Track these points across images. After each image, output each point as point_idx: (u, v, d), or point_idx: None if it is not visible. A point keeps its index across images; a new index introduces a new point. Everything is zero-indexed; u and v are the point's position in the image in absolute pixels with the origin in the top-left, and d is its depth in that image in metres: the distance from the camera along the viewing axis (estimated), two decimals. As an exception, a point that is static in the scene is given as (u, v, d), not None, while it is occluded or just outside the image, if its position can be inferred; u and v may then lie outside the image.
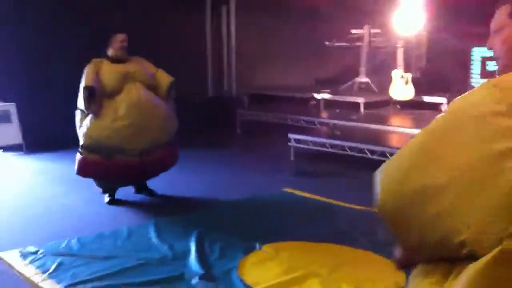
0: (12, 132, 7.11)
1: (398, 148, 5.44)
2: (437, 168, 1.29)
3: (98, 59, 4.91)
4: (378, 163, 5.38)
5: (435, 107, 8.12)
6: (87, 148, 4.74)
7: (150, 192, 5.21)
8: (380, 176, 1.51)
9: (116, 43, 4.90)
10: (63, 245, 3.84)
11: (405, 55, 8.52)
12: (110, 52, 4.93)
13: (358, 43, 9.59)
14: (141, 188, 5.22)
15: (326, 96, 8.65)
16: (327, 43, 9.94)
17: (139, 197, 5.19)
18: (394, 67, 8.42)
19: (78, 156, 4.83)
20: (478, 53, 8.08)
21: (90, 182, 5.03)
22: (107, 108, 4.71)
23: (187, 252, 3.72)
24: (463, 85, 8.13)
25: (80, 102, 4.80)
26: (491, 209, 1.18)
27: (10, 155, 7.02)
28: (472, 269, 1.19)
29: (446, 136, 1.32)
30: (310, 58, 10.03)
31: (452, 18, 8.60)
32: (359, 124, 7.23)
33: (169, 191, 5.37)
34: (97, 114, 4.70)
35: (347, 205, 4.83)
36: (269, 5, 9.44)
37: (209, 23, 9.35)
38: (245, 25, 9.40)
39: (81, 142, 4.79)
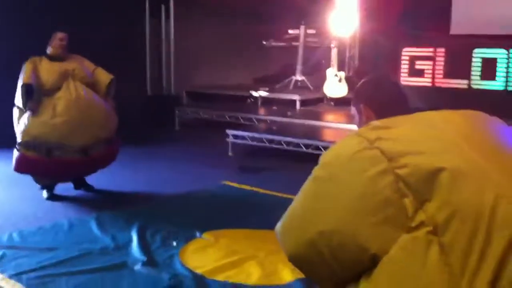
0: None
1: (331, 142, 5.74)
2: (328, 211, 1.61)
3: (37, 57, 4.91)
4: (312, 156, 5.73)
5: (367, 104, 8.50)
6: (25, 145, 4.74)
7: (89, 188, 5.25)
8: (280, 234, 1.78)
9: (56, 41, 4.93)
10: (5, 238, 3.85)
11: (339, 54, 8.88)
12: (49, 50, 4.95)
13: (294, 43, 9.89)
14: (80, 183, 5.25)
15: (264, 93, 8.88)
16: (264, 42, 10.18)
17: (78, 192, 5.22)
18: (329, 66, 8.77)
19: (16, 153, 4.81)
20: (407, 52, 8.49)
21: (28, 179, 5.02)
22: (45, 106, 4.73)
23: (129, 242, 3.83)
24: (393, 83, 8.54)
25: (18, 100, 4.80)
26: (380, 224, 1.52)
27: None
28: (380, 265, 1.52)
29: (330, 179, 1.66)
30: (249, 57, 10.24)
31: (383, 20, 9.03)
32: (295, 120, 7.50)
33: (110, 186, 5.42)
34: (35, 112, 4.72)
35: (284, 195, 5.05)
36: (207, 5, 9.59)
37: (148, 22, 9.39)
38: (184, 24, 9.50)
39: (19, 139, 4.77)
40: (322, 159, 1.74)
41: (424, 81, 8.32)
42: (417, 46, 8.41)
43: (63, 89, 4.78)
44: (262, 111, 8.43)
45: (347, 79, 8.82)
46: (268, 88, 9.09)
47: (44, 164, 4.75)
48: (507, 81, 7.61)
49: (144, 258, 3.52)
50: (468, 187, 1.48)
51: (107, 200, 5.05)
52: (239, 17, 9.90)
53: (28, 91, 4.70)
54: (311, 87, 9.27)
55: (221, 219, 4.40)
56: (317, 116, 7.79)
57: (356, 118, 2.09)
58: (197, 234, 3.97)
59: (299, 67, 9.59)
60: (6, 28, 7.36)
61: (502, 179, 1.52)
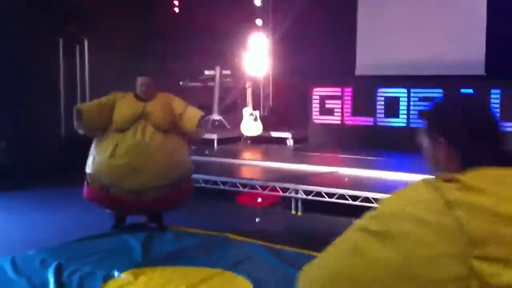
0: None
1: (246, 179, 5.93)
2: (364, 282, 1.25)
3: (123, 93, 5.10)
4: (229, 193, 5.88)
5: (282, 141, 8.89)
6: (89, 176, 4.95)
7: (161, 226, 5.20)
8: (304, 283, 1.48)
9: (139, 87, 5.08)
10: None
11: (253, 94, 9.23)
12: (137, 90, 5.10)
13: (210, 83, 10.16)
14: (153, 218, 5.26)
15: (181, 133, 9.00)
16: (181, 83, 10.37)
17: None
18: (245, 105, 9.08)
19: (85, 182, 5.00)
20: (318, 92, 8.97)
21: None
22: (109, 142, 4.84)
23: (45, 284, 3.80)
24: (305, 121, 8.99)
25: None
26: None
27: None
28: None
29: (383, 239, 1.25)
30: (165, 97, 10.37)
31: (295, 61, 9.51)
32: (212, 159, 7.67)
33: (23, 226, 5.32)
34: (78, 124, 4.96)
35: (202, 231, 5.18)
36: (122, 45, 9.68)
37: (62, 62, 9.32)
38: (99, 64, 9.51)
39: (87, 169, 4.94)
40: (380, 208, 1.35)
41: (334, 119, 8.81)
42: (326, 86, 8.92)
43: (130, 130, 4.85)
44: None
45: (262, 117, 9.17)
46: (186, 128, 9.22)
47: (103, 197, 4.92)
48: (408, 118, 8.22)
49: (61, 300, 3.51)
50: None
51: (23, 241, 4.94)
52: (156, 57, 10.06)
53: (79, 113, 4.95)
54: (228, 126, 9.52)
55: (140, 257, 4.44)
56: (234, 154, 8.01)
57: (429, 152, 1.50)
58: (116, 273, 4.00)
59: (215, 106, 9.83)
60: None
61: None
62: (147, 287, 3.77)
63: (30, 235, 5.18)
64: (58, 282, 3.81)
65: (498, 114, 7.34)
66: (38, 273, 4.01)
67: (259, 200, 6.30)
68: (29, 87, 8.44)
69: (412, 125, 8.14)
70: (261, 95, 10.16)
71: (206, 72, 10.28)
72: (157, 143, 4.89)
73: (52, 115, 9.13)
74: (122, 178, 4.79)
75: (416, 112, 8.15)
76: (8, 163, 7.61)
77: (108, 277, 3.94)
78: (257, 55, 9.88)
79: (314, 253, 4.38)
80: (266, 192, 6.21)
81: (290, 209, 6.03)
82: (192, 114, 5.16)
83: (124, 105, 4.98)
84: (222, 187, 6.51)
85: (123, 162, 4.77)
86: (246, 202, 6.36)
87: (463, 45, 8.13)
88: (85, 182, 5.02)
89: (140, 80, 5.11)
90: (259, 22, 10.10)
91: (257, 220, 5.63)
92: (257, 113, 9.02)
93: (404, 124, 8.22)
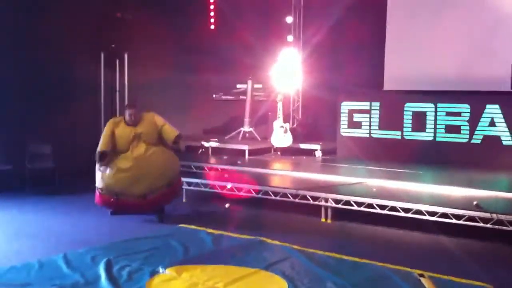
0: None
1: (278, 188, 6.31)
2: None
3: (117, 119, 6.43)
4: (260, 201, 6.28)
5: (310, 153, 9.20)
6: (101, 189, 6.10)
7: (161, 218, 6.31)
8: None
9: (127, 117, 6.26)
10: (-23, 277, 4.10)
11: (284, 107, 9.56)
12: (125, 118, 6.27)
13: (242, 97, 10.54)
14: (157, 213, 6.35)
15: (214, 144, 9.40)
16: (214, 96, 10.78)
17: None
18: (275, 118, 9.42)
19: (97, 192, 6.15)
20: (346, 106, 9.26)
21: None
22: (114, 162, 6.06)
23: (97, 278, 4.17)
24: (334, 134, 9.29)
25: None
26: None
27: None
28: None
29: None
30: (199, 109, 10.79)
31: (325, 76, 9.83)
32: (244, 168, 8.01)
33: (72, 228, 5.71)
34: (104, 170, 6.05)
35: (236, 235, 5.51)
36: (159, 59, 10.14)
37: (102, 74, 9.80)
38: (137, 77, 9.96)
39: (98, 184, 6.11)
40: None
41: (361, 132, 9.08)
42: (354, 100, 9.20)
43: (130, 150, 6.12)
44: (213, 160, 8.91)
45: (292, 130, 9.50)
46: (218, 139, 9.62)
47: (114, 203, 6.17)
48: (435, 132, 8.44)
49: (113, 291, 3.87)
50: None
51: (71, 241, 5.32)
52: (191, 71, 10.50)
53: (102, 156, 6.04)
54: (259, 138, 9.87)
55: (181, 256, 4.79)
56: (264, 164, 8.33)
57: None
58: (161, 269, 4.35)
59: (247, 119, 10.21)
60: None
61: None
62: (190, 282, 4.10)
63: (77, 236, 5.58)
64: (109, 276, 4.17)
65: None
66: (90, 268, 4.39)
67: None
68: (73, 97, 8.94)
69: (439, 139, 8.37)
70: (291, 108, 10.50)
71: (238, 86, 10.68)
72: (152, 154, 6.17)
73: (93, 122, 9.61)
74: (129, 187, 6.03)
75: (443, 127, 8.38)
76: (52, 168, 8.08)
77: (154, 272, 4.30)
78: (288, 70, 10.23)
79: (344, 257, 4.68)
80: (297, 200, 6.51)
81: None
82: (169, 131, 6.34)
83: (120, 133, 6.19)
84: (254, 194, 6.82)
85: (128, 175, 6.02)
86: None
87: (489, 61, 8.34)
88: (97, 191, 6.15)
89: (127, 112, 6.27)
90: (290, 38, 10.47)
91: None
92: (287, 125, 9.35)
93: (431, 138, 8.45)
